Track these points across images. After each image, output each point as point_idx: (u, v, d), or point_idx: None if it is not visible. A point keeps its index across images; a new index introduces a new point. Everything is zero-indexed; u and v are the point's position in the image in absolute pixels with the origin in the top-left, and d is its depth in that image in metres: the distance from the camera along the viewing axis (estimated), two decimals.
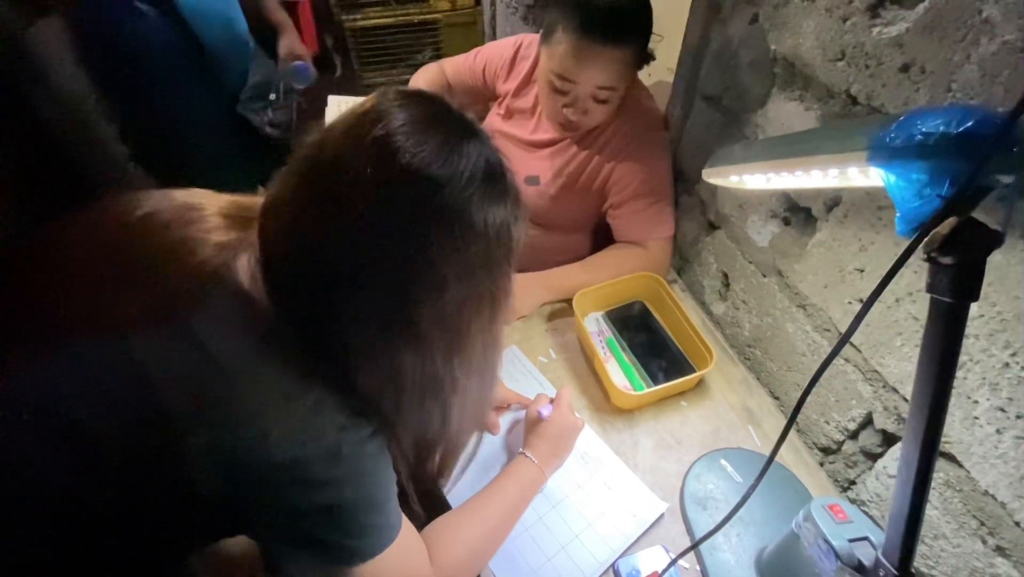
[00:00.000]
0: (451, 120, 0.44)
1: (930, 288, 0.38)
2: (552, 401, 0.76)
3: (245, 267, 0.45)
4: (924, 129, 0.35)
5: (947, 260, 0.36)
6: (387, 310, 0.42)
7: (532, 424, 0.74)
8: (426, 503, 0.65)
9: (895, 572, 0.43)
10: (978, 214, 0.36)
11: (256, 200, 0.49)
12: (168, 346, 0.42)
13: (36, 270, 0.47)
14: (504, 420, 0.81)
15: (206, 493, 0.41)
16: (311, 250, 0.42)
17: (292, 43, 1.39)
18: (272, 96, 1.18)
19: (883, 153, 0.38)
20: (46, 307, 0.44)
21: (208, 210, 0.48)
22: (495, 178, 0.44)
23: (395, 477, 0.50)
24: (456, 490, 0.73)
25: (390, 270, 0.41)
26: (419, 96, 0.45)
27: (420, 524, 0.59)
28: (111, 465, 0.41)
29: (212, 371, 0.41)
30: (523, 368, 0.90)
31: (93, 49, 0.90)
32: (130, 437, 0.41)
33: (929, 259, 0.37)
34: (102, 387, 0.41)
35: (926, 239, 0.36)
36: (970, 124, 0.34)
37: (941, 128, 0.34)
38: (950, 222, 0.35)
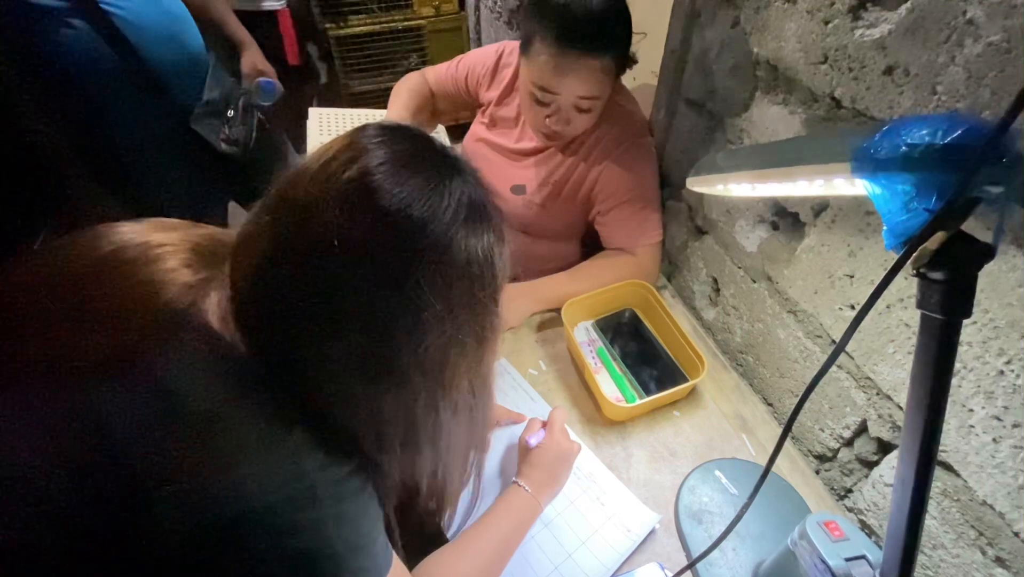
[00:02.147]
0: (432, 158, 0.42)
1: (920, 304, 0.36)
2: (544, 425, 0.74)
3: (215, 307, 0.42)
4: (909, 140, 0.34)
5: (937, 276, 0.35)
6: (366, 356, 0.40)
7: (525, 451, 0.71)
8: (420, 537, 0.63)
9: None
10: (969, 226, 0.34)
11: (229, 234, 0.47)
12: (130, 393, 0.39)
13: None
14: (498, 439, 0.79)
15: (175, 548, 0.38)
16: (282, 294, 0.40)
17: (255, 59, 1.37)
18: (230, 112, 1.16)
19: (867, 165, 0.36)
20: (1, 350, 0.41)
21: (176, 246, 0.46)
22: (478, 216, 0.42)
23: (380, 516, 0.47)
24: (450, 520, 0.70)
25: (368, 316, 0.39)
26: (399, 132, 0.43)
27: (411, 560, 0.56)
28: (66, 521, 0.38)
29: (178, 419, 0.39)
30: (513, 382, 0.88)
31: (24, 67, 0.88)
32: (88, 492, 0.38)
33: (918, 275, 0.35)
34: (57, 440, 0.38)
35: (915, 254, 0.34)
36: (957, 134, 0.32)
37: (926, 138, 0.33)
38: (939, 237, 0.34)
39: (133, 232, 0.47)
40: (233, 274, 0.43)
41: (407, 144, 0.42)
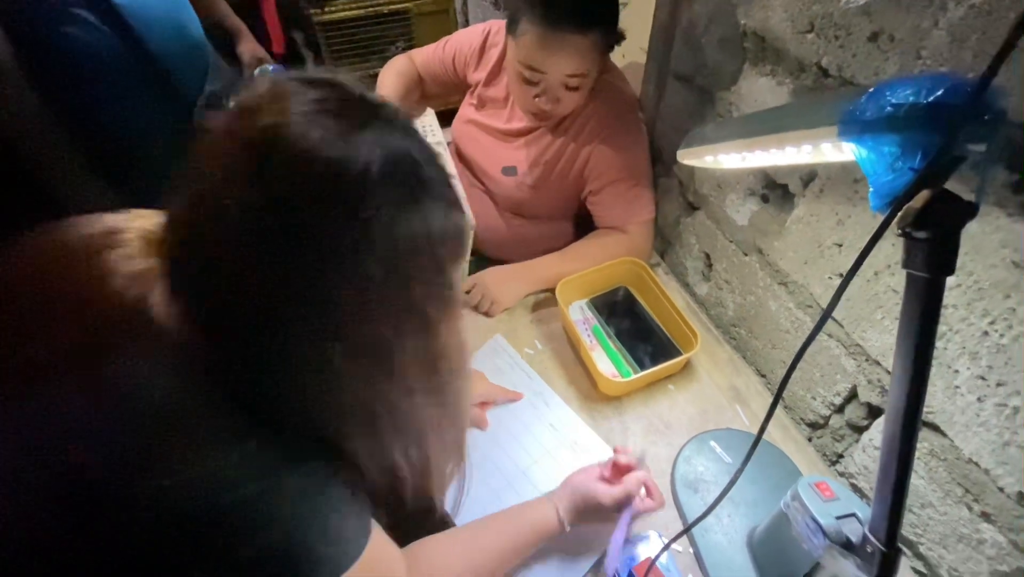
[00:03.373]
0: (354, 106, 0.37)
1: (906, 263, 0.37)
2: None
3: (160, 299, 0.39)
4: (894, 100, 0.34)
5: (921, 234, 0.35)
6: (291, 335, 0.37)
7: (579, 488, 0.64)
8: (425, 518, 0.62)
9: (882, 547, 0.43)
10: (953, 185, 0.35)
11: None
12: (79, 393, 0.37)
13: None
14: (511, 426, 0.79)
15: (141, 547, 0.37)
16: (202, 273, 0.37)
17: (253, 47, 1.35)
18: (232, 103, 1.14)
19: (853, 127, 0.37)
20: None
21: (131, 233, 0.43)
22: (408, 174, 0.37)
23: (353, 503, 0.44)
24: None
25: (280, 290, 0.35)
26: (313, 82, 0.38)
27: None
28: (30, 524, 0.37)
29: (130, 418, 0.37)
30: (509, 360, 0.89)
31: (30, 58, 0.86)
32: (46, 496, 0.37)
33: (903, 234, 0.36)
34: (10, 443, 0.37)
35: (900, 214, 0.35)
36: (940, 93, 0.33)
37: (910, 98, 0.33)
38: (923, 195, 0.35)
39: (102, 221, 0.45)
40: (163, 258, 0.39)
41: (321, 92, 0.37)
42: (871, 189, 0.37)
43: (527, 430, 0.79)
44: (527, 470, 0.75)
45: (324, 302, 0.36)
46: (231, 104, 0.38)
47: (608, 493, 0.63)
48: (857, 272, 0.36)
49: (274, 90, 0.37)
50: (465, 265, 1.00)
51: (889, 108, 0.34)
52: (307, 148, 0.34)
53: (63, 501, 0.37)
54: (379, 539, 0.48)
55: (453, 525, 0.68)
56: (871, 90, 0.36)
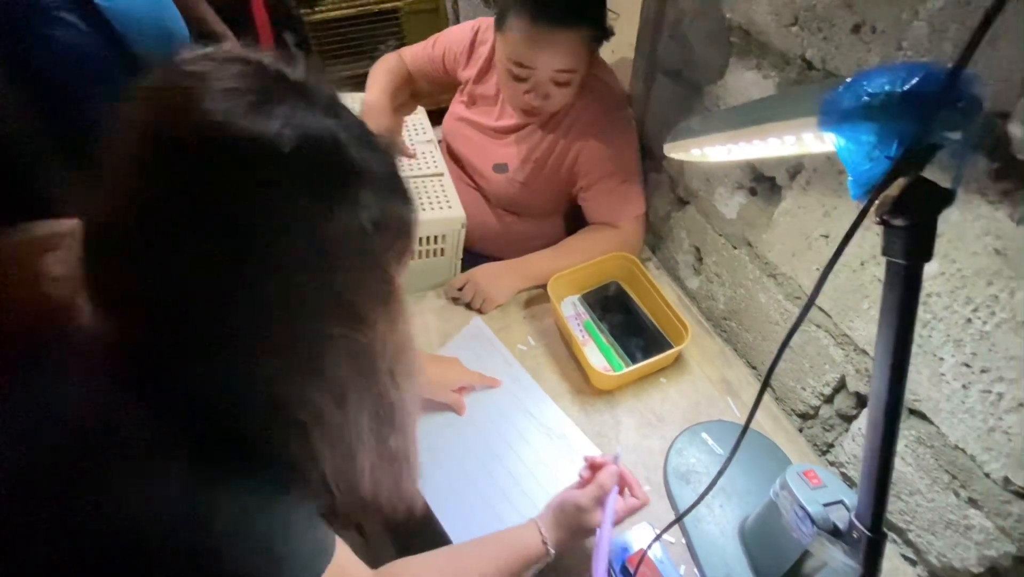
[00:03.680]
0: (265, 79, 0.34)
1: (885, 251, 0.37)
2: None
3: (87, 303, 0.36)
4: (870, 89, 0.35)
5: (899, 222, 0.36)
6: (208, 342, 0.34)
7: (566, 506, 0.62)
8: (419, 546, 0.60)
9: (868, 533, 0.44)
10: (932, 174, 0.36)
11: None
12: (2, 406, 0.35)
13: None
14: (488, 410, 0.80)
15: (68, 571, 0.34)
16: (116, 269, 0.34)
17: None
18: None
19: (832, 117, 0.37)
20: None
21: (70, 236, 0.39)
22: (322, 154, 0.34)
23: (300, 523, 0.41)
24: (458, 530, 0.69)
25: (188, 286, 0.32)
26: (228, 59, 0.35)
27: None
28: None
29: (52, 435, 0.35)
30: (488, 345, 0.90)
31: (13, 60, 0.86)
32: None
33: (882, 222, 0.37)
34: None
35: (877, 202, 0.35)
36: (915, 81, 0.33)
37: (886, 87, 0.34)
38: (900, 183, 0.35)
39: (45, 226, 0.43)
40: (80, 256, 0.36)
41: (238, 68, 0.34)
42: (850, 178, 0.38)
43: (503, 415, 0.81)
44: (502, 455, 0.76)
45: (242, 296, 0.33)
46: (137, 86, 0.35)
47: (584, 492, 0.62)
48: (838, 260, 0.36)
49: (183, 69, 0.34)
50: (458, 262, 1.02)
51: (866, 97, 0.35)
52: (212, 125, 0.31)
53: None
54: (344, 560, 0.44)
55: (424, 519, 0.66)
56: (849, 80, 0.36)
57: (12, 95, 0.86)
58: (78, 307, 0.36)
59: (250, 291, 0.33)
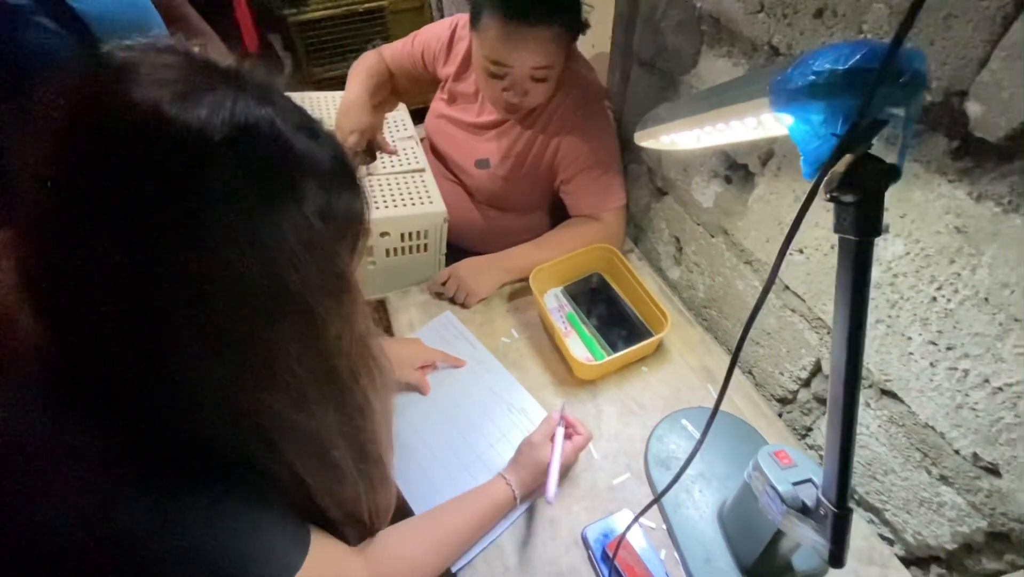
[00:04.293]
0: (195, 68, 0.33)
1: (836, 228, 0.38)
2: (567, 427, 0.71)
3: (27, 312, 0.34)
4: (816, 68, 0.35)
5: (848, 198, 0.36)
6: (151, 346, 0.32)
7: (528, 456, 0.68)
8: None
9: (833, 508, 0.44)
10: (881, 151, 0.36)
11: None
12: None
13: None
14: (452, 390, 0.81)
15: None
16: (50, 274, 0.32)
17: (221, 51, 1.34)
18: None
19: (781, 96, 0.38)
20: None
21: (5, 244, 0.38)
22: (257, 141, 0.32)
23: (275, 517, 0.41)
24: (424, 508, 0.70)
25: (122, 285, 0.31)
26: (159, 48, 0.34)
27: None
28: None
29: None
30: (455, 331, 0.92)
31: None
32: None
33: (832, 199, 0.37)
34: None
35: (826, 179, 0.36)
36: (857, 58, 0.34)
37: (830, 65, 0.35)
38: (847, 160, 0.36)
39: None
40: (16, 263, 0.34)
41: (168, 58, 0.33)
42: (801, 157, 0.38)
43: (467, 394, 0.83)
44: (465, 432, 0.79)
45: (180, 296, 0.31)
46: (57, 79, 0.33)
47: (534, 432, 0.70)
48: (804, 242, 0.37)
49: (111, 60, 0.33)
50: (441, 257, 1.02)
51: (812, 76, 0.35)
52: (139, 113, 0.30)
53: None
54: (322, 549, 0.44)
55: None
56: (797, 60, 0.37)
57: None
58: (14, 318, 0.34)
59: (189, 290, 0.31)
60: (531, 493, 0.69)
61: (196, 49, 0.35)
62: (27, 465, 0.33)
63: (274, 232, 0.32)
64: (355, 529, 0.50)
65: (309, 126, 0.36)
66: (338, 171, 0.37)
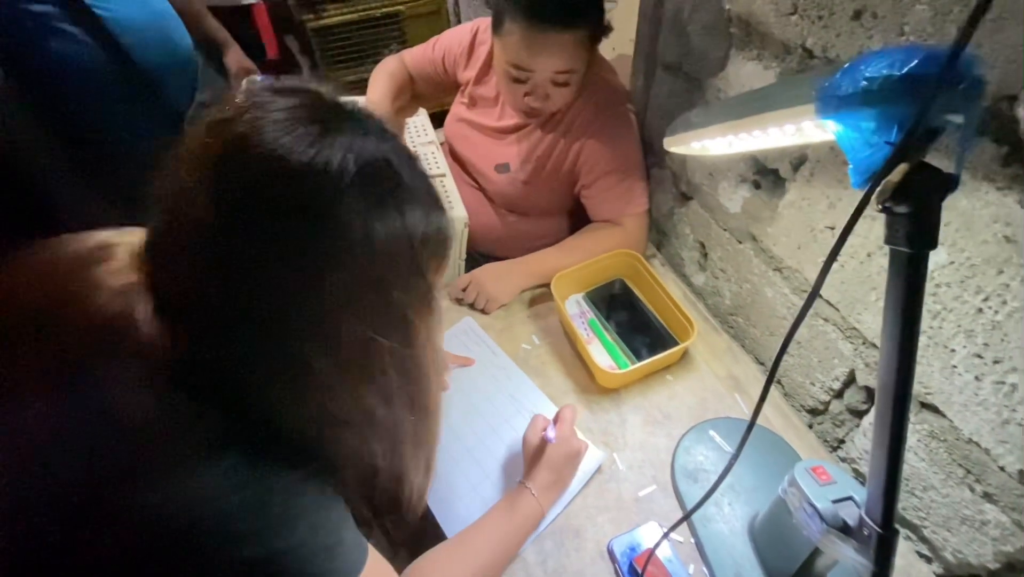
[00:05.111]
0: (322, 111, 0.37)
1: (888, 239, 0.37)
2: (555, 422, 0.71)
3: (145, 312, 0.39)
4: (868, 74, 0.34)
5: (901, 209, 0.35)
6: (271, 349, 0.37)
7: (533, 450, 0.69)
8: (414, 538, 0.63)
9: (878, 529, 0.43)
10: (934, 159, 0.35)
11: None
12: (62, 411, 0.37)
13: None
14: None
15: (124, 561, 0.36)
16: (181, 285, 0.37)
17: (240, 58, 1.36)
18: None
19: (830, 104, 0.36)
20: None
21: (122, 247, 0.43)
22: (377, 176, 0.37)
23: (345, 518, 0.44)
24: (445, 513, 0.70)
25: (255, 299, 0.35)
26: (285, 90, 0.39)
27: (407, 559, 0.56)
28: (12, 543, 0.37)
29: (112, 435, 0.37)
30: (476, 337, 0.91)
31: (15, 72, 0.87)
32: (29, 514, 0.36)
33: (884, 209, 0.36)
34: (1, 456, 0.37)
35: (878, 189, 0.35)
36: (914, 64, 0.32)
37: (884, 71, 0.33)
38: (901, 169, 0.34)
39: (94, 237, 0.45)
40: (144, 271, 0.39)
41: (294, 99, 0.37)
42: (850, 166, 0.37)
43: (488, 401, 0.82)
44: (485, 439, 0.78)
45: (304, 308, 0.36)
46: (205, 117, 0.38)
47: (527, 434, 0.71)
48: (845, 252, 0.36)
49: (245, 100, 0.37)
50: (461, 263, 1.01)
51: (864, 82, 0.34)
52: (277, 156, 0.34)
53: (43, 518, 0.36)
54: (376, 559, 0.47)
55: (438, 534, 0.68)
56: (847, 65, 0.36)
57: (20, 105, 0.87)
58: (131, 316, 0.39)
59: (311, 305, 0.36)
60: (554, 495, 0.68)
61: (322, 89, 0.40)
62: (134, 441, 0.37)
63: (387, 254, 0.37)
64: (388, 516, 0.53)
65: (411, 156, 0.41)
66: (431, 197, 0.42)
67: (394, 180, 0.38)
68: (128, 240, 0.45)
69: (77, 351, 0.39)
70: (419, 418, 0.47)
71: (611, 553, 0.66)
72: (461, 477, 0.74)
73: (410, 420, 0.46)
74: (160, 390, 0.38)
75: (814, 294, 0.39)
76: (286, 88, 0.39)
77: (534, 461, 0.68)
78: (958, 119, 0.33)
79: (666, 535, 0.58)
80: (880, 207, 0.36)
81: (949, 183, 0.34)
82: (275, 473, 0.39)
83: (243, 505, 0.37)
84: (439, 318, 0.45)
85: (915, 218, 0.35)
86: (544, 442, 0.68)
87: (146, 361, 0.38)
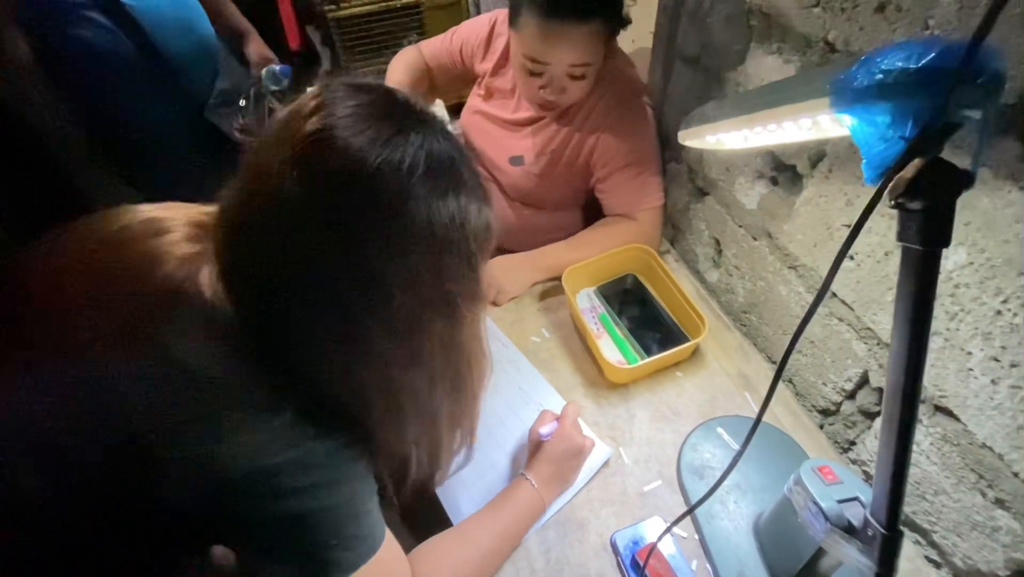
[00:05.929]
0: (394, 110, 0.41)
1: (900, 236, 0.36)
2: (557, 418, 0.72)
3: (208, 280, 0.43)
4: (884, 67, 0.33)
5: (915, 205, 0.34)
6: (329, 322, 0.40)
7: (536, 443, 0.70)
8: (418, 520, 0.65)
9: (883, 530, 0.42)
10: (951, 155, 0.34)
11: None
12: (135, 364, 0.41)
13: (7, 293, 0.46)
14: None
15: (185, 506, 0.41)
16: (252, 261, 0.40)
17: (260, 48, 1.37)
18: (242, 102, 1.16)
19: (845, 96, 0.35)
20: (18, 330, 0.44)
21: (176, 221, 0.47)
22: (444, 173, 0.40)
23: (375, 489, 0.48)
24: (451, 501, 0.71)
25: (326, 279, 0.39)
26: (363, 87, 0.42)
27: (407, 538, 0.58)
28: (90, 483, 0.42)
29: (182, 388, 0.41)
30: (491, 335, 0.91)
31: (45, 60, 0.89)
32: (106, 455, 0.41)
33: (896, 205, 0.35)
34: (76, 408, 0.41)
35: (891, 184, 0.34)
36: (931, 57, 0.32)
37: (900, 64, 0.32)
38: (916, 164, 0.33)
39: (140, 211, 0.49)
40: (216, 245, 0.43)
41: (369, 96, 0.41)
42: (864, 161, 0.36)
43: (496, 393, 0.83)
44: (493, 429, 0.78)
45: (368, 289, 0.39)
46: (281, 110, 0.42)
47: (531, 432, 0.72)
48: (861, 251, 0.35)
49: (323, 95, 0.40)
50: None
51: (879, 75, 0.33)
52: (353, 151, 0.37)
53: (114, 461, 0.41)
54: (391, 543, 0.50)
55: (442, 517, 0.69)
56: (863, 58, 0.35)
57: (44, 93, 0.90)
58: (196, 282, 0.43)
59: (374, 286, 0.39)
60: (555, 489, 0.69)
61: (393, 88, 0.43)
62: (200, 395, 0.41)
63: (445, 242, 0.41)
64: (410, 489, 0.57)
65: (467, 154, 0.44)
66: (483, 192, 0.44)
67: (455, 176, 0.41)
68: (181, 215, 0.49)
69: (147, 313, 0.42)
70: (456, 400, 0.50)
71: (614, 546, 0.66)
72: (468, 466, 0.74)
73: (448, 400, 0.49)
74: (224, 350, 0.42)
75: (824, 289, 0.39)
76: (360, 85, 0.42)
77: (536, 456, 0.69)
78: (976, 115, 0.33)
79: (669, 528, 0.58)
80: (893, 203, 0.35)
81: (964, 180, 0.33)
82: (322, 437, 0.43)
83: (291, 462, 0.41)
84: (483, 307, 0.48)
85: (928, 215, 0.34)
86: (528, 441, 0.71)
87: (214, 322, 0.42)
